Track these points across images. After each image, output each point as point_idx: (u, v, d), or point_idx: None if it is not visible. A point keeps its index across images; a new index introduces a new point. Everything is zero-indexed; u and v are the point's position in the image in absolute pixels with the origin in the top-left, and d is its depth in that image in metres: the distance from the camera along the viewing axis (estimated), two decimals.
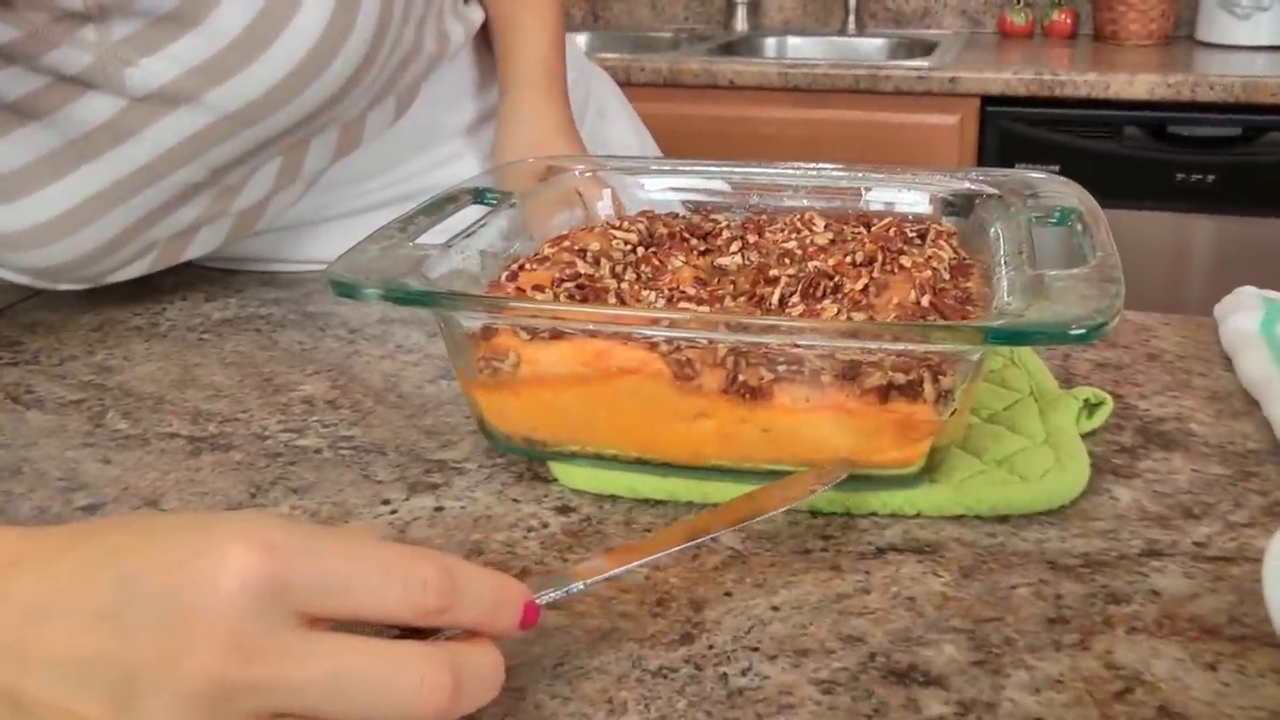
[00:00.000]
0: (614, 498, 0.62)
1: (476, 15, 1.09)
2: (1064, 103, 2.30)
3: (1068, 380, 0.76)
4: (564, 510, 0.61)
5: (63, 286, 0.93)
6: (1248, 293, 0.86)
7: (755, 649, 0.50)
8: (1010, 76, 2.29)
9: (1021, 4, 2.82)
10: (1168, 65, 2.35)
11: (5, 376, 0.82)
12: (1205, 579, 0.55)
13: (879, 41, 2.86)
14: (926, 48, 2.64)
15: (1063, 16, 2.79)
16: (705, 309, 0.63)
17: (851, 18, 2.90)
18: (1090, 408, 0.70)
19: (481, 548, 0.58)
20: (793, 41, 2.91)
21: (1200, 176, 2.27)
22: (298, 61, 0.82)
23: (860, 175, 0.82)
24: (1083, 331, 0.53)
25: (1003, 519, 0.60)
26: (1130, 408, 0.73)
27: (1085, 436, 0.68)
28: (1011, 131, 2.34)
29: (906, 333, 0.56)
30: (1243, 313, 0.83)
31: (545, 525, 0.60)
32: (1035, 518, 0.60)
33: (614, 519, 0.60)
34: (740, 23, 2.94)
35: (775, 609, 0.53)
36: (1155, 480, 0.64)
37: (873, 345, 0.57)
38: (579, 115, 1.17)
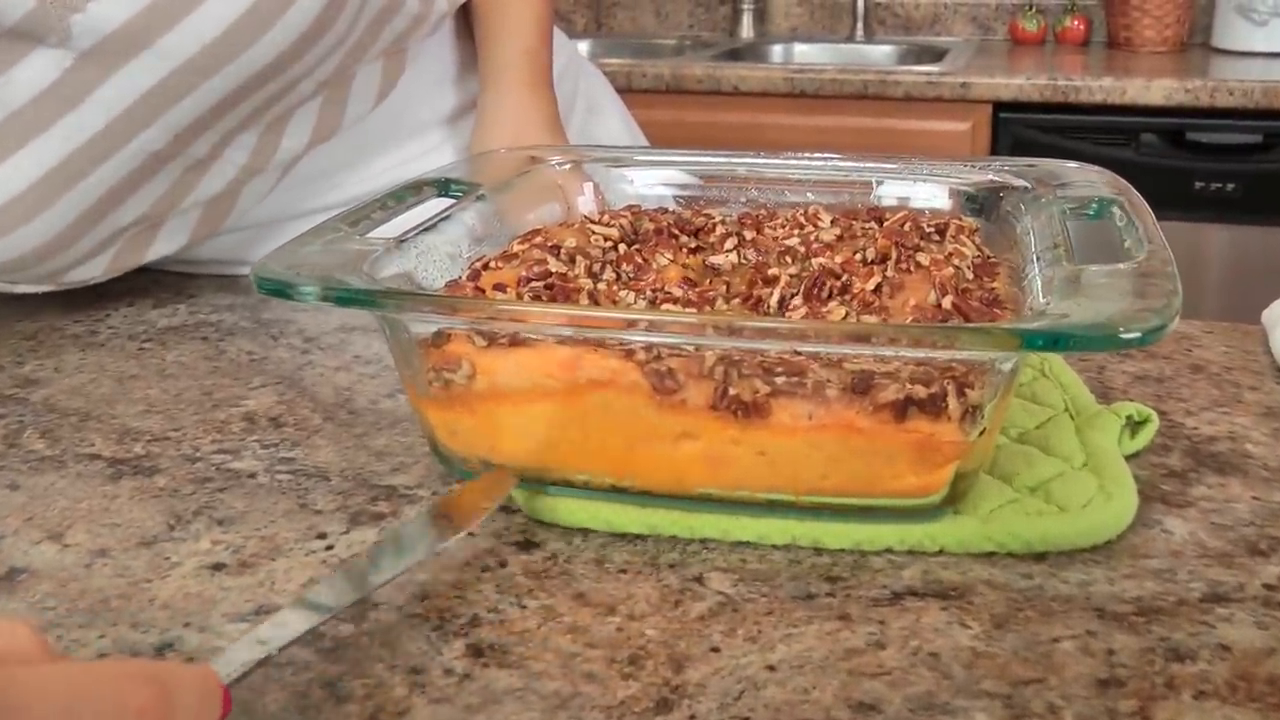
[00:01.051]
0: (585, 532, 0.53)
1: None
2: (1079, 109, 2.21)
3: (1104, 395, 0.67)
4: (526, 546, 0.53)
5: (21, 289, 0.85)
6: None
7: (747, 719, 0.41)
8: (1024, 82, 2.20)
9: (1033, 10, 2.74)
10: (1184, 71, 2.26)
11: None
12: None
13: (888, 48, 2.77)
14: (936, 55, 2.56)
15: (1075, 23, 2.71)
16: (692, 311, 0.55)
17: (860, 24, 2.82)
18: (1133, 426, 0.62)
19: (427, 590, 0.49)
20: (799, 48, 2.82)
21: (1220, 185, 2.19)
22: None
23: (870, 166, 0.73)
24: (1137, 334, 0.45)
25: (1039, 557, 0.51)
26: (1176, 425, 0.64)
27: (1128, 459, 0.59)
28: (1024, 138, 2.25)
29: (928, 336, 0.48)
30: None
31: (503, 564, 0.51)
32: (1077, 555, 0.52)
33: (584, 556, 0.52)
34: (746, 29, 2.86)
35: (771, 669, 0.44)
36: (1212, 510, 0.56)
37: (888, 352, 0.48)
38: (567, 111, 1.08)
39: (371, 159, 0.98)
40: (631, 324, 0.49)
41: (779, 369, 0.50)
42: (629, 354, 0.50)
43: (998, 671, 0.44)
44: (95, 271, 0.85)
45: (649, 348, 0.50)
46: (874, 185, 0.73)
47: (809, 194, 0.74)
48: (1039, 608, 0.48)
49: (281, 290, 0.52)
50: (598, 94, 1.20)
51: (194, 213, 0.87)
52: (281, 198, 0.94)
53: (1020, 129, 2.25)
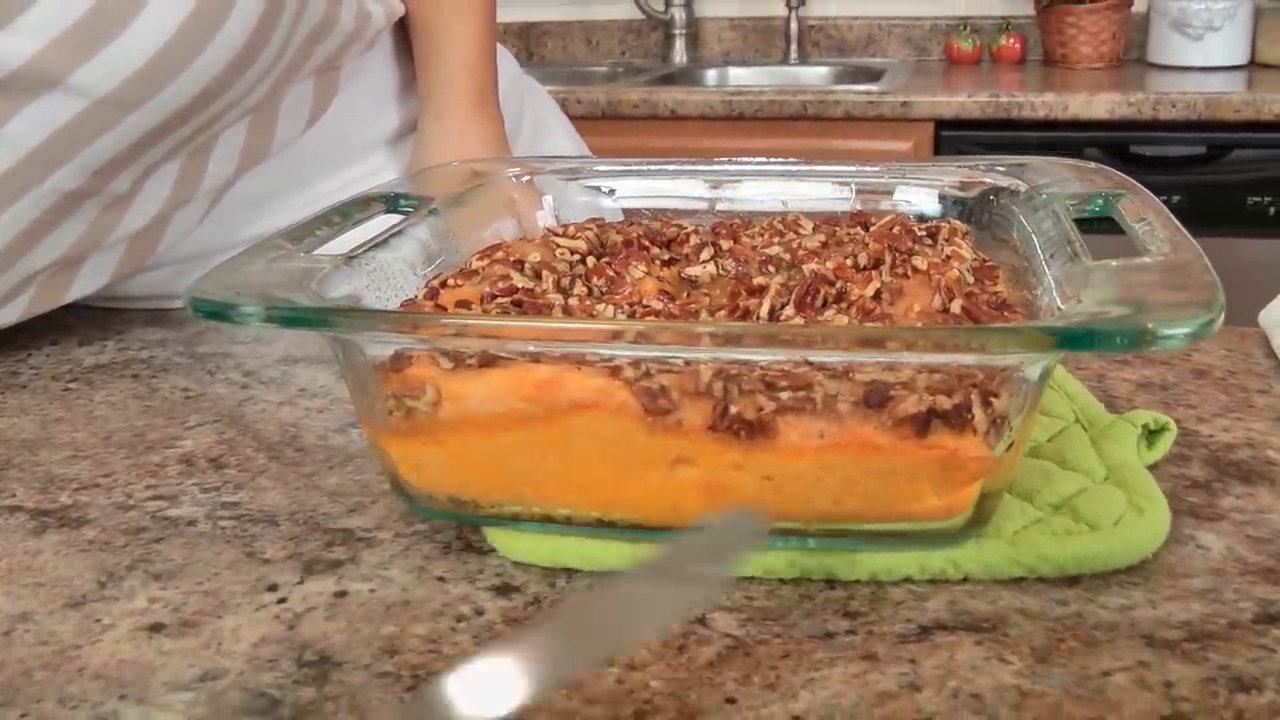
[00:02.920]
0: (569, 571, 0.48)
1: (397, 4, 0.95)
2: (1021, 125, 2.19)
3: (1109, 404, 0.63)
4: (504, 591, 0.47)
5: None
6: None
7: None
8: (965, 99, 2.18)
9: (968, 30, 2.73)
10: (1125, 86, 2.25)
11: None
12: None
13: (823, 70, 2.75)
14: (872, 76, 2.53)
15: (1011, 41, 2.70)
16: (685, 320, 0.50)
17: (794, 47, 2.79)
18: (1149, 435, 0.57)
19: (396, 645, 0.44)
20: (734, 72, 2.79)
21: (1165, 197, 2.17)
22: (179, 24, 0.68)
23: (852, 170, 0.69)
24: (1185, 330, 0.40)
25: (1072, 581, 0.47)
26: (1191, 434, 0.60)
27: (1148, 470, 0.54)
28: (968, 155, 2.23)
29: (954, 339, 0.43)
30: None
31: (481, 612, 0.46)
32: (1112, 577, 0.47)
33: (568, 596, 0.46)
34: (679, 55, 2.82)
35: (797, 719, 0.39)
36: (1245, 522, 0.51)
37: (910, 359, 0.43)
38: (514, 130, 1.03)
39: (310, 183, 0.92)
40: (618, 336, 0.43)
41: (783, 383, 0.44)
42: (615, 371, 0.45)
43: (1050, 713, 0.39)
44: (10, 316, 0.79)
45: (637, 364, 0.45)
46: (853, 192, 0.69)
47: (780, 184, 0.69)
48: (1082, 637, 0.43)
49: (220, 313, 0.46)
50: (544, 113, 1.15)
51: (116, 249, 0.81)
52: (214, 228, 0.88)
53: (963, 146, 2.22)
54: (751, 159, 0.71)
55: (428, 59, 0.96)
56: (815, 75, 2.75)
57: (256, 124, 0.83)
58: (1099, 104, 2.15)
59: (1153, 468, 0.56)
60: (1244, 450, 0.58)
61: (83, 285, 0.81)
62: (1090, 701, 0.39)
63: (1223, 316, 0.42)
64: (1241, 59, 2.56)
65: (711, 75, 2.78)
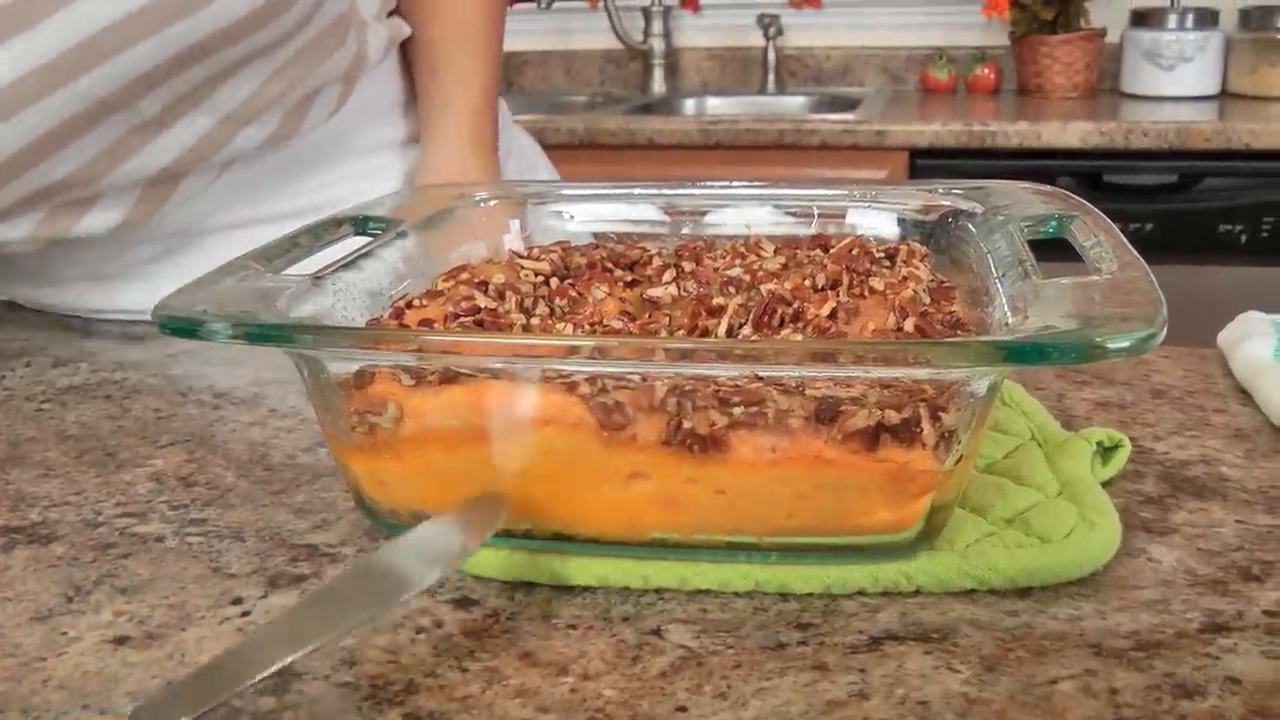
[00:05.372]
0: (528, 586, 0.49)
1: (403, 26, 0.97)
2: (995, 154, 2.21)
3: (1067, 423, 0.64)
4: (463, 604, 0.48)
5: None
6: (1255, 318, 0.75)
7: None
8: (939, 128, 2.20)
9: (944, 60, 2.76)
10: (1098, 115, 2.27)
11: None
12: None
13: (800, 99, 2.77)
14: (849, 105, 2.56)
15: (986, 71, 2.73)
16: (640, 336, 0.51)
17: (771, 76, 2.81)
18: (1104, 451, 0.58)
19: (356, 656, 0.44)
20: (712, 101, 2.81)
21: (1139, 225, 2.19)
22: None
23: (813, 193, 0.70)
24: (1127, 343, 0.41)
25: (1023, 592, 0.48)
26: (1146, 451, 0.61)
27: (1102, 486, 0.55)
28: (929, 180, 2.25)
29: (902, 353, 0.44)
30: (1254, 340, 0.72)
31: (439, 624, 0.46)
32: (1062, 589, 0.48)
33: (528, 613, 0.47)
34: (658, 84, 2.84)
35: None
36: (1197, 536, 0.52)
37: (858, 373, 0.44)
38: (500, 170, 1.05)
39: (304, 175, 0.93)
40: (574, 351, 0.44)
41: (736, 398, 0.45)
42: (572, 388, 0.46)
43: (995, 719, 0.40)
44: (17, 234, 0.80)
45: (594, 380, 0.46)
46: (815, 214, 0.70)
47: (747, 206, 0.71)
48: (1030, 647, 0.44)
49: (187, 329, 0.47)
50: (529, 152, 1.17)
51: (131, 193, 0.83)
52: (207, 204, 0.89)
53: (937, 175, 2.24)
54: (716, 183, 0.72)
55: (433, 97, 0.99)
56: (792, 105, 2.77)
57: (292, 105, 0.86)
58: (1072, 133, 2.17)
59: (1108, 484, 0.57)
60: (1198, 467, 0.59)
61: (92, 221, 0.82)
62: (1035, 708, 0.40)
63: (1165, 330, 0.43)
64: (1213, 89, 2.59)
65: (690, 105, 2.80)
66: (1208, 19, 2.58)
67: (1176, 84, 2.57)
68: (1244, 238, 2.15)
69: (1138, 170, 2.19)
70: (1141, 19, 2.62)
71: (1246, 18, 2.60)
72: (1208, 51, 2.57)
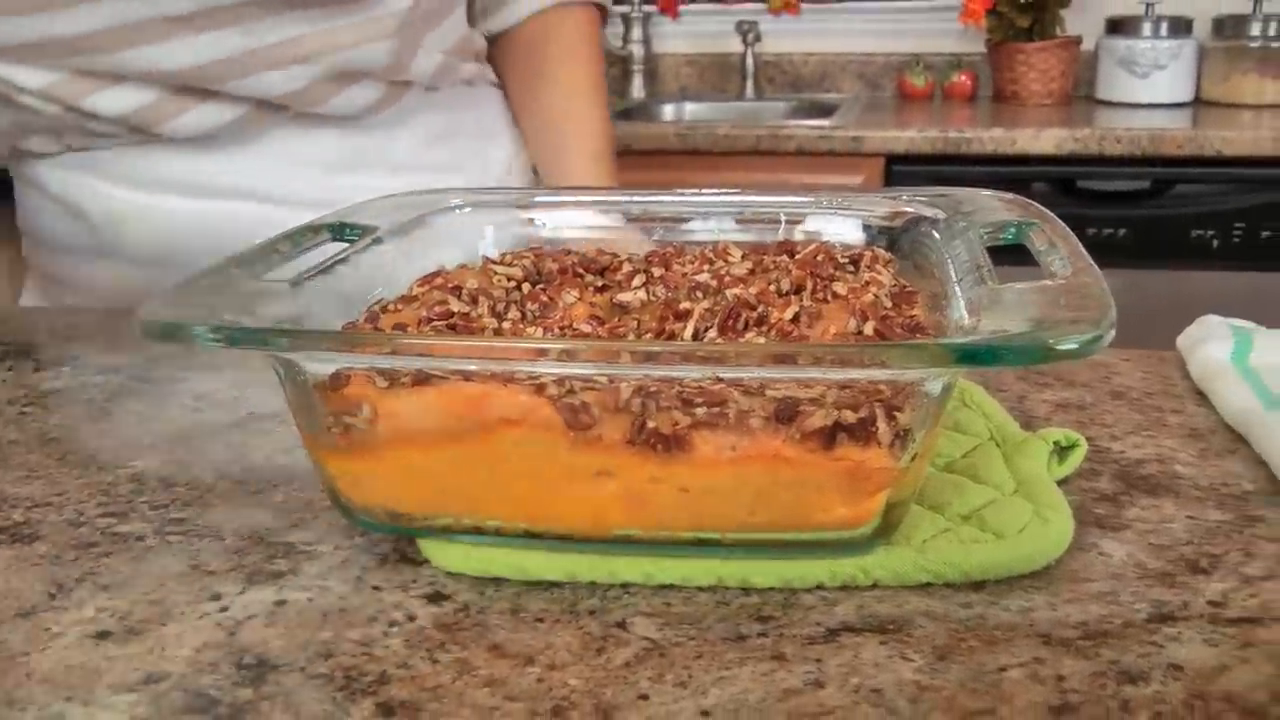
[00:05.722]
0: (498, 581, 0.50)
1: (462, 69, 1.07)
2: (970, 160, 2.23)
3: (1027, 424, 0.66)
4: (435, 598, 0.49)
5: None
6: (1214, 322, 0.77)
7: None
8: (915, 134, 2.22)
9: (921, 66, 2.78)
10: (1072, 121, 2.30)
11: None
12: (1232, 646, 0.44)
13: (779, 105, 2.79)
14: (827, 110, 2.58)
15: (963, 78, 2.75)
16: (605, 338, 0.52)
17: (749, 82, 2.84)
18: (1060, 451, 0.60)
19: (331, 649, 0.46)
20: (690, 107, 2.83)
21: (1112, 230, 2.22)
22: None
23: (780, 200, 0.72)
24: (1074, 345, 0.43)
25: (977, 586, 0.49)
26: (1103, 450, 0.63)
27: (1058, 484, 0.57)
28: (897, 187, 2.27)
29: (857, 355, 0.45)
30: (1212, 343, 0.74)
31: (412, 618, 0.48)
32: (1016, 582, 0.49)
33: (498, 607, 0.49)
34: (637, 90, 2.86)
35: (706, 714, 0.41)
36: (1148, 531, 0.54)
37: (815, 374, 0.46)
38: None
39: (341, 173, 0.98)
40: (542, 354, 0.46)
41: (698, 399, 0.47)
42: (540, 389, 0.47)
43: (945, 704, 0.41)
44: (119, 105, 0.90)
45: (561, 382, 0.48)
46: (781, 220, 0.72)
47: (715, 224, 0.72)
48: (982, 637, 0.45)
49: (169, 333, 0.48)
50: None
51: (238, 106, 0.92)
52: (256, 172, 0.97)
53: (914, 181, 2.26)
54: (687, 190, 0.74)
55: (554, 149, 1.04)
56: (770, 110, 2.79)
57: (322, 78, 0.93)
58: (1046, 139, 2.19)
59: (1064, 482, 0.59)
60: (1153, 465, 0.61)
61: (197, 119, 0.92)
62: (985, 694, 0.42)
63: (1113, 332, 0.44)
64: (1187, 96, 2.62)
65: (668, 110, 2.82)
66: (1181, 27, 2.61)
67: (1151, 91, 2.60)
68: (1216, 243, 2.18)
69: (1111, 176, 2.21)
70: (1116, 27, 2.65)
71: (1220, 26, 2.64)
72: (1181, 59, 2.60)
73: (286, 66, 0.90)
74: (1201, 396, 0.71)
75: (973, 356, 0.44)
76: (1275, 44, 2.56)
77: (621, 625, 0.47)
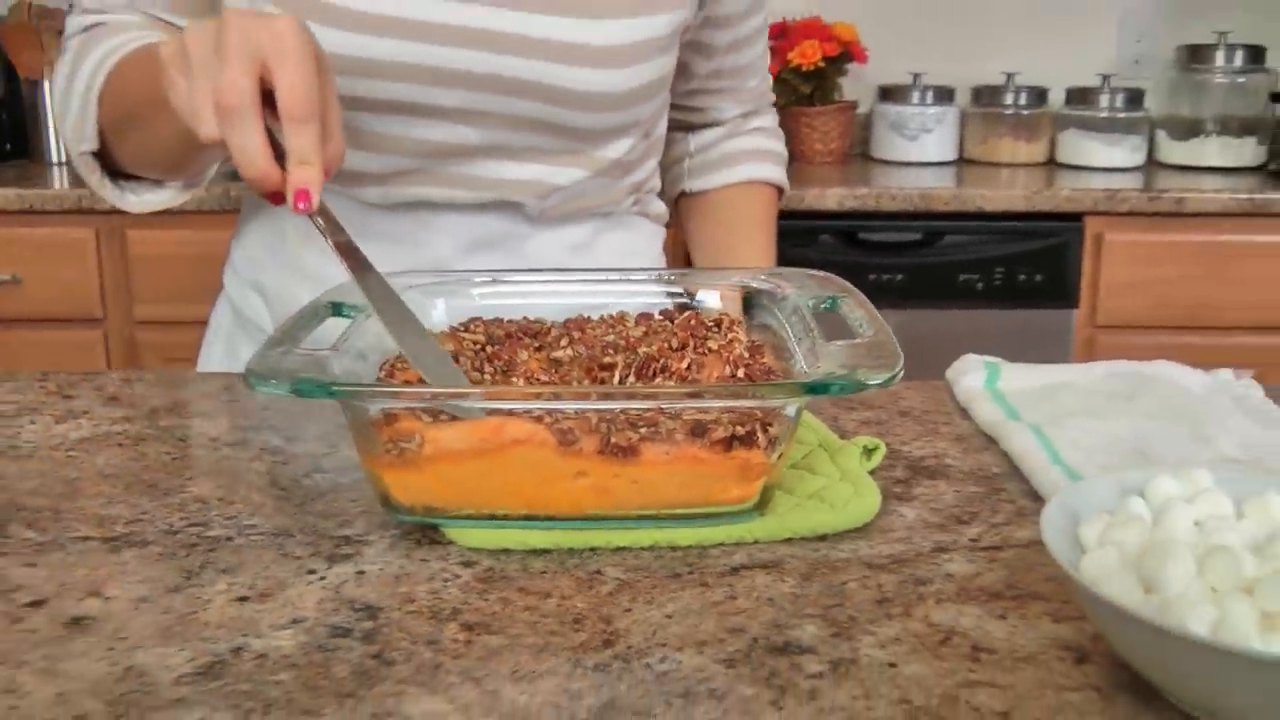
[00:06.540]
0: (507, 550, 0.74)
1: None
2: None
3: (842, 435, 0.92)
4: (468, 564, 0.73)
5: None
6: (971, 359, 1.06)
7: (664, 644, 0.63)
8: None
9: None
10: (853, 180, 2.63)
11: None
12: (983, 562, 0.72)
13: None
14: None
15: None
16: (588, 386, 0.77)
17: None
18: (868, 452, 0.87)
19: (411, 596, 0.69)
20: None
21: (890, 276, 2.55)
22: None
23: (670, 276, 0.98)
24: (880, 379, 0.70)
25: (821, 538, 0.75)
26: (897, 451, 0.90)
27: (869, 474, 0.84)
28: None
29: (742, 392, 0.71)
30: (971, 374, 1.02)
31: (458, 576, 0.72)
32: (845, 535, 0.76)
33: (512, 567, 0.73)
34: None
35: (669, 616, 0.66)
36: (930, 500, 0.81)
37: (717, 404, 0.72)
38: None
39: (480, 252, 1.17)
40: (553, 396, 0.71)
41: (642, 423, 0.72)
42: (539, 419, 0.72)
43: (812, 603, 0.67)
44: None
45: (552, 414, 0.72)
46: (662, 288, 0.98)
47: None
48: (828, 567, 0.72)
49: (300, 390, 0.70)
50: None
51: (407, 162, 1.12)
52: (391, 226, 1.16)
53: None
54: (593, 270, 0.99)
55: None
56: None
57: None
58: (830, 197, 2.51)
59: (872, 472, 0.85)
60: (931, 460, 0.89)
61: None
62: (835, 596, 0.68)
63: (902, 372, 0.71)
64: (951, 156, 2.99)
65: None
66: (945, 95, 2.98)
67: (920, 151, 2.96)
68: (980, 285, 2.52)
69: (888, 229, 2.54)
70: (888, 94, 3.01)
71: (978, 95, 3.01)
72: (945, 124, 2.97)
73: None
74: (964, 412, 0.99)
75: (816, 389, 0.70)
76: (1025, 111, 2.95)
77: (598, 573, 0.71)
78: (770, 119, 1.39)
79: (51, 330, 2.65)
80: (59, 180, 2.79)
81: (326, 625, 0.66)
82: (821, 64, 2.88)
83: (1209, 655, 0.50)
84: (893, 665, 0.61)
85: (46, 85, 3.03)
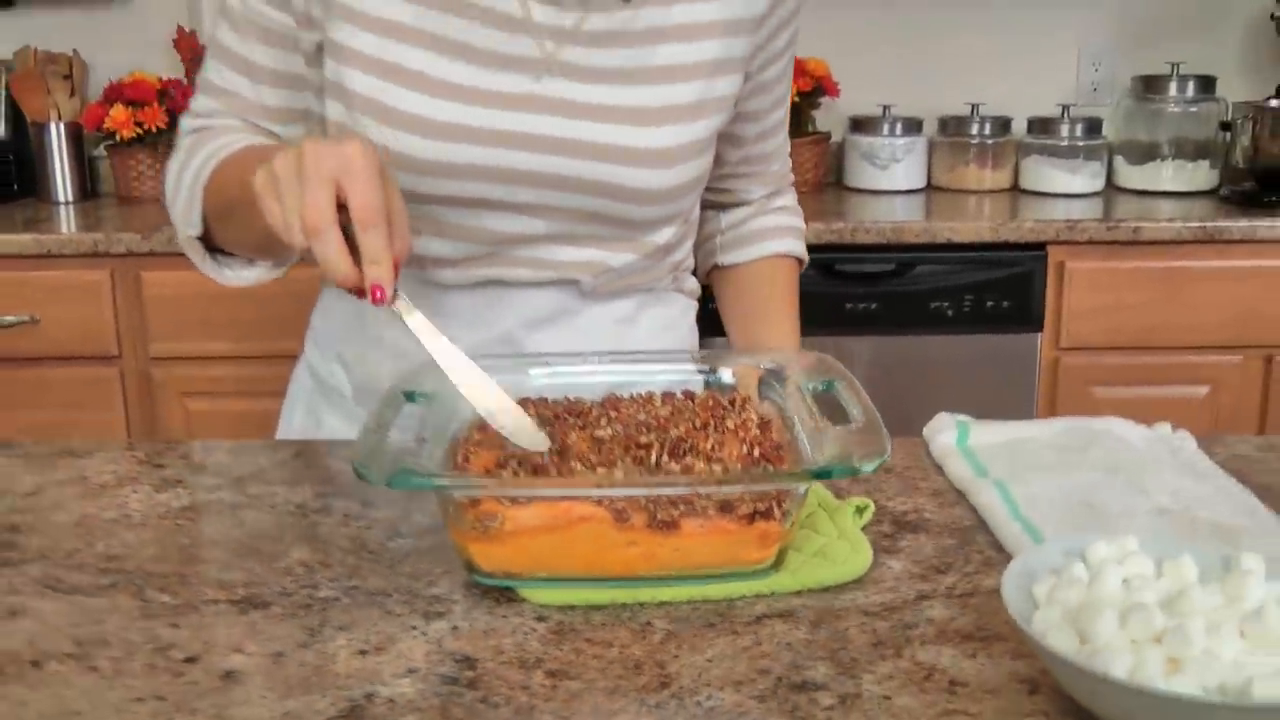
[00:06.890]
0: (572, 606, 0.91)
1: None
2: None
3: (836, 495, 1.10)
4: (541, 619, 0.90)
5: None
6: (944, 417, 1.23)
7: (709, 684, 0.80)
8: None
9: None
10: (829, 214, 2.80)
11: (26, 572, 1.01)
12: (957, 608, 0.89)
13: None
14: None
15: None
16: (637, 476, 0.94)
17: None
18: (859, 510, 1.04)
19: (501, 648, 0.86)
20: None
21: (865, 304, 2.72)
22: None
23: (694, 357, 1.15)
24: (871, 465, 0.87)
25: (826, 589, 0.93)
26: (883, 508, 1.08)
27: (861, 530, 1.01)
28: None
29: (765, 477, 0.89)
30: (944, 433, 1.20)
31: (535, 629, 0.88)
32: (845, 586, 0.93)
33: (577, 620, 0.90)
34: None
35: (709, 660, 0.83)
36: (912, 553, 0.98)
37: (739, 488, 0.89)
38: None
39: (539, 328, 1.35)
40: (610, 484, 0.88)
41: (681, 502, 0.89)
42: (599, 501, 0.89)
43: (822, 646, 0.84)
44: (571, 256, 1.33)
45: (611, 497, 0.89)
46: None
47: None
48: (832, 614, 0.89)
49: (401, 481, 0.87)
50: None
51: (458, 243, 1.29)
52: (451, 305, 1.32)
53: None
54: (625, 353, 1.16)
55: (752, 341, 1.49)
56: None
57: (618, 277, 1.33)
58: (808, 231, 2.66)
59: (864, 528, 1.03)
60: (912, 515, 1.06)
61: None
62: (838, 639, 0.85)
63: (890, 456, 0.88)
64: (920, 184, 3.17)
65: None
66: (913, 126, 3.15)
67: (891, 180, 3.14)
68: (950, 312, 2.70)
69: (862, 260, 2.71)
70: (859, 125, 3.18)
71: (945, 125, 3.19)
72: (915, 153, 3.14)
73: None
74: (939, 469, 1.16)
75: (820, 475, 0.87)
76: (990, 140, 3.14)
77: (649, 624, 0.88)
78: (791, 198, 1.60)
79: (69, 368, 2.79)
80: (66, 219, 2.96)
81: (437, 674, 0.83)
82: (796, 98, 3.05)
83: (1127, 693, 0.68)
84: (888, 698, 0.78)
85: (53, 128, 3.19)
